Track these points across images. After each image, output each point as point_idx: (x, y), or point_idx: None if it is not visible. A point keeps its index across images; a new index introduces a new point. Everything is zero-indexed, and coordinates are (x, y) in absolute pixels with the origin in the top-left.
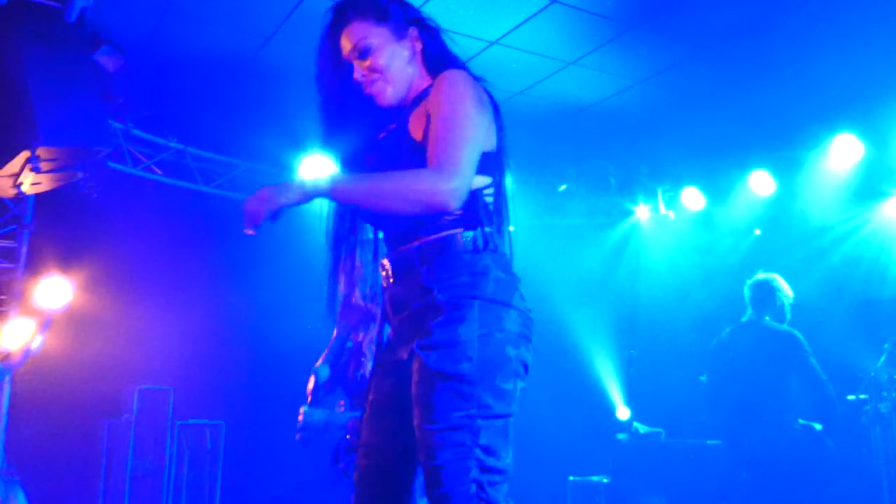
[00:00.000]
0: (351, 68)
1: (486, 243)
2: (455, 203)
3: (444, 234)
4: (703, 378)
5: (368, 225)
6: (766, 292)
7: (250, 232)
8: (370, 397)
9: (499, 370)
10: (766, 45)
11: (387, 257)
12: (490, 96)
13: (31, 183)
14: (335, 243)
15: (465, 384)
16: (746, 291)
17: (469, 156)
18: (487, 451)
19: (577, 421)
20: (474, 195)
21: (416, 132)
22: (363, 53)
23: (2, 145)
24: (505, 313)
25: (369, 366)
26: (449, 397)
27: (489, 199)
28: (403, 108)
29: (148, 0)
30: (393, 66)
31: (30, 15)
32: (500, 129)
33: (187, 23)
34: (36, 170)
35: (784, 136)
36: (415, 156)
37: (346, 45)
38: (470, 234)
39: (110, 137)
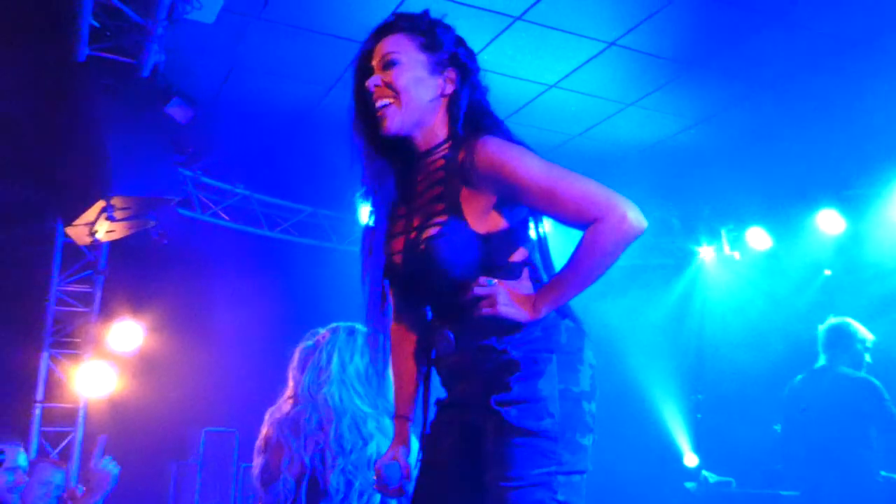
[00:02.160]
0: (368, 76)
1: None
2: (641, 216)
3: None
4: (777, 427)
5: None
6: (840, 337)
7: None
8: (423, 457)
9: (577, 426)
10: (831, 80)
11: (445, 325)
12: None
13: (106, 231)
14: (373, 317)
15: (547, 440)
16: (820, 336)
17: (592, 182)
18: None
19: (642, 468)
20: (522, 259)
21: (475, 222)
22: (388, 65)
23: (79, 195)
24: (580, 366)
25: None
26: (529, 454)
27: (535, 253)
28: (425, 160)
29: (216, 54)
30: (412, 92)
31: (106, 70)
32: None
33: (253, 74)
34: (111, 218)
35: (852, 174)
36: (480, 251)
37: (379, 50)
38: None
39: (180, 186)
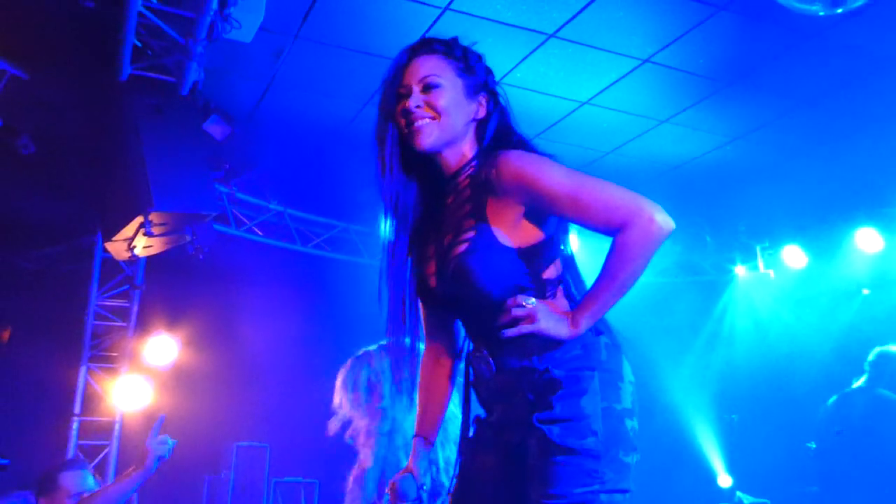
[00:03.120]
0: (404, 96)
1: None
2: (668, 218)
3: None
4: (812, 444)
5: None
6: (887, 365)
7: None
8: (462, 469)
9: (621, 444)
10: (868, 98)
11: (483, 347)
12: None
13: (144, 246)
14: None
15: (591, 459)
16: (870, 357)
17: (616, 187)
18: None
19: (675, 488)
20: (555, 276)
21: (505, 234)
22: (429, 87)
23: (118, 211)
24: (621, 384)
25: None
26: (572, 472)
27: (567, 270)
28: (454, 180)
29: (254, 72)
30: (451, 113)
31: (147, 89)
32: None
33: (289, 92)
34: (149, 234)
35: (890, 191)
36: (512, 265)
37: (415, 70)
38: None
39: (216, 202)
